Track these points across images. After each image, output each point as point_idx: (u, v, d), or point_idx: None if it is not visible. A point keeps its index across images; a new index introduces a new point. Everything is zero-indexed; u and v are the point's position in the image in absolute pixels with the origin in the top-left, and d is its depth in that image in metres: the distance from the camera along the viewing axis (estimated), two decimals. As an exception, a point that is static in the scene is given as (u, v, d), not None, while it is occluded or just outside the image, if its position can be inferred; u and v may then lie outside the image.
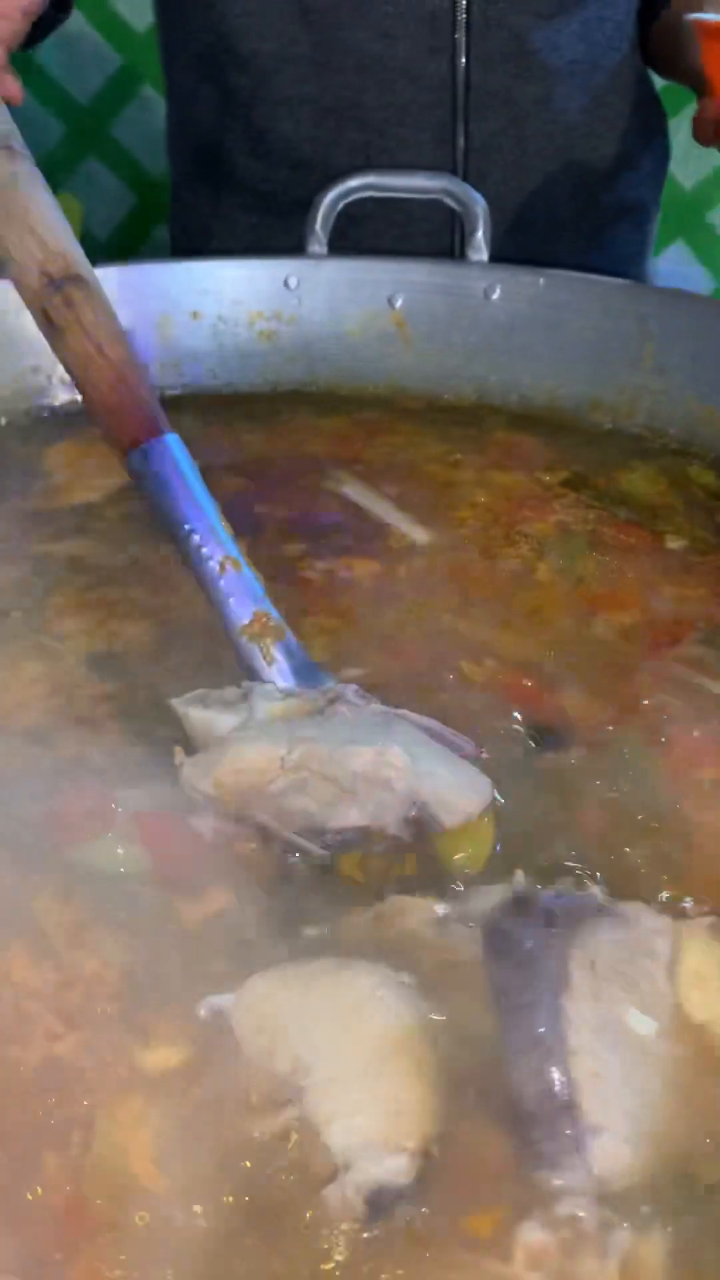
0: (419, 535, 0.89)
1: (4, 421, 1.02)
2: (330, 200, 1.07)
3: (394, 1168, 0.44)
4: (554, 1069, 0.46)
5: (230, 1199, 0.44)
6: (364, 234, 1.13)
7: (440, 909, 0.54)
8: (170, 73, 1.33)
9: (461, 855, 0.58)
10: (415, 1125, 0.45)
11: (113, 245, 2.42)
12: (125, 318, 1.07)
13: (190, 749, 0.61)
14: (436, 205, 1.16)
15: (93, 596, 0.79)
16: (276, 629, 0.66)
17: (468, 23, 1.14)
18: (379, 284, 1.07)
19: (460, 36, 1.14)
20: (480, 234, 1.06)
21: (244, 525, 0.71)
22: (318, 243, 1.07)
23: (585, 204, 1.25)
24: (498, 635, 0.77)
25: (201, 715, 0.62)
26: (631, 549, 0.88)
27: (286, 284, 1.07)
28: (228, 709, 0.62)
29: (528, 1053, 0.47)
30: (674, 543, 0.89)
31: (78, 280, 0.72)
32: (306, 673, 0.66)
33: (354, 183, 1.07)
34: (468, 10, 1.13)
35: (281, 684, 0.65)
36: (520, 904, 0.52)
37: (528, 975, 0.49)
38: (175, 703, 0.63)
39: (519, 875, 0.54)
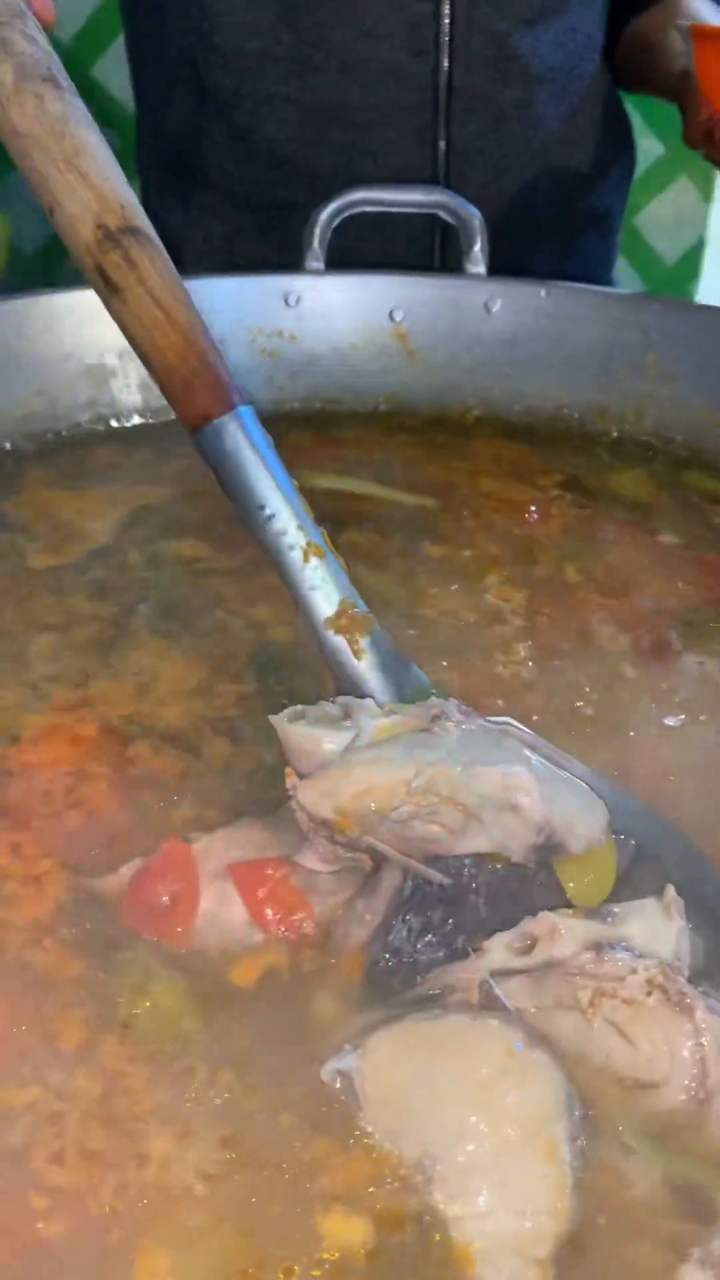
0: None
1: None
2: (327, 216, 1.06)
3: None
4: None
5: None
6: (345, 239, 1.13)
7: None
8: (140, 81, 1.31)
9: (584, 883, 0.57)
10: (549, 1230, 0.43)
11: (40, 262, 2.37)
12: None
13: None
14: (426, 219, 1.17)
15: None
16: (365, 620, 0.62)
17: (451, 26, 1.14)
18: (379, 299, 1.07)
19: (443, 39, 1.15)
20: (478, 247, 1.07)
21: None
22: (315, 259, 1.07)
23: (560, 211, 1.26)
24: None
25: (306, 733, 0.58)
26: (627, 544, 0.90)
27: (286, 300, 1.06)
28: (330, 726, 0.58)
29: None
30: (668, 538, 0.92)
31: (137, 233, 0.64)
32: (395, 665, 0.63)
33: (350, 198, 1.06)
34: (451, 14, 1.14)
35: (372, 683, 0.62)
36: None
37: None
38: (275, 719, 0.59)
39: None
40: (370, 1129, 0.46)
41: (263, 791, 0.64)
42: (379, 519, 0.93)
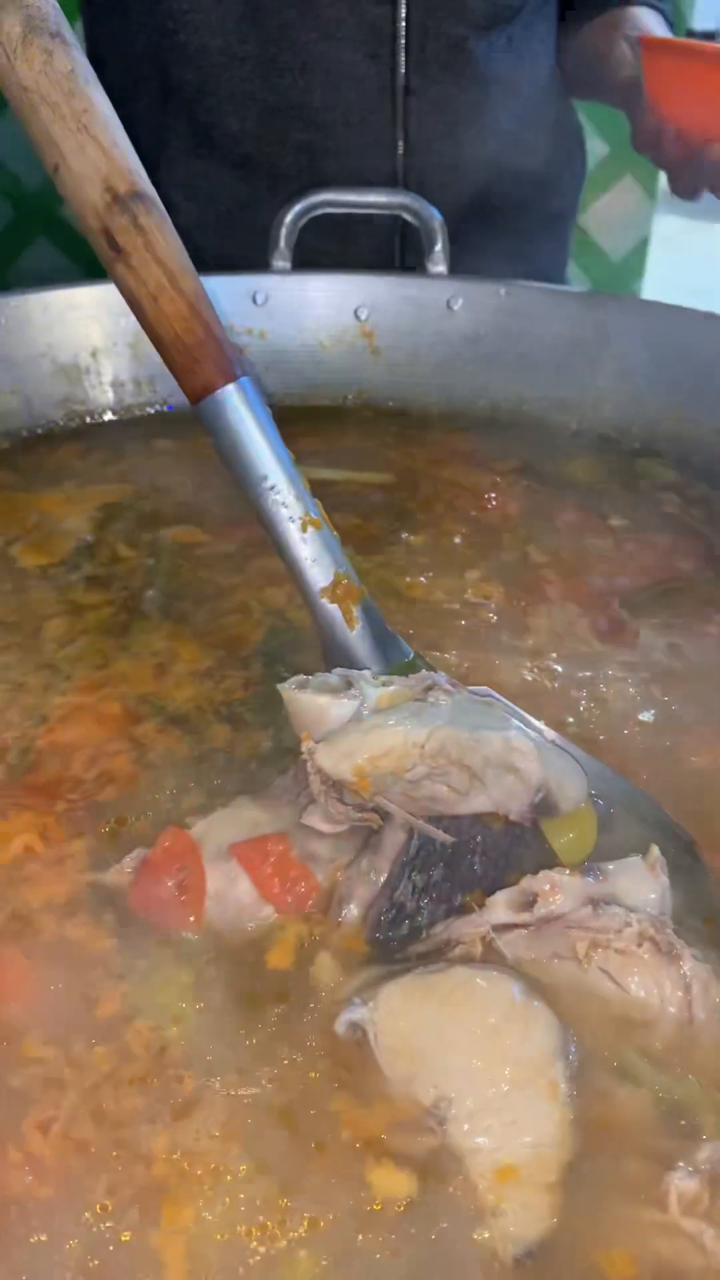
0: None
1: None
2: (292, 217, 1.09)
3: (538, 1215, 0.46)
4: None
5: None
6: (306, 236, 1.15)
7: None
8: (101, 77, 1.32)
9: (569, 840, 0.60)
10: (554, 1158, 0.47)
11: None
12: (97, 336, 1.09)
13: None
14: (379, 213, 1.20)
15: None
16: (357, 590, 0.64)
17: (407, 29, 1.17)
18: (345, 297, 1.10)
19: (400, 41, 1.18)
20: (439, 248, 1.10)
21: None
22: (282, 258, 1.10)
23: (515, 212, 1.30)
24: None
25: (313, 699, 0.60)
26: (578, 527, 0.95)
27: (255, 299, 1.09)
28: (334, 694, 0.60)
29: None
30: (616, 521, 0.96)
31: (146, 199, 0.63)
32: (384, 636, 0.65)
33: (315, 199, 1.09)
34: (407, 17, 1.17)
35: (362, 651, 0.64)
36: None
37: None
38: (282, 687, 0.61)
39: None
40: (386, 1074, 0.50)
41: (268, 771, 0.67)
42: (342, 504, 0.96)
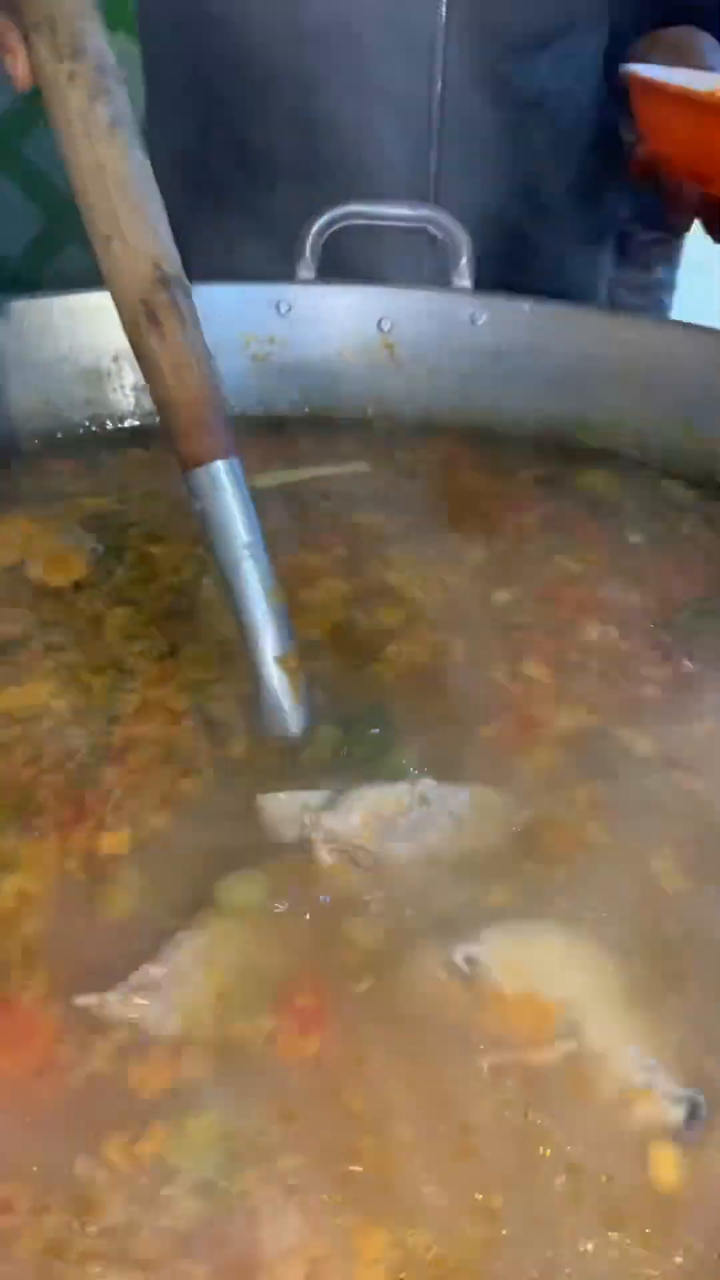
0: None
1: None
2: (319, 227, 1.09)
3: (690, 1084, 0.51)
4: None
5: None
6: (343, 251, 1.15)
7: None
8: (154, 84, 1.33)
9: None
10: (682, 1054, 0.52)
11: (20, 266, 2.39)
12: (119, 340, 1.09)
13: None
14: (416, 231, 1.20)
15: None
16: (301, 669, 0.70)
17: (445, 51, 1.17)
18: (369, 308, 1.10)
19: (438, 64, 1.18)
20: (465, 261, 1.10)
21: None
22: (307, 268, 1.10)
23: (547, 231, 1.29)
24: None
25: (288, 797, 0.65)
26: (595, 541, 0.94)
27: (278, 308, 1.09)
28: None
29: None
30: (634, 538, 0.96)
31: (184, 287, 0.71)
32: (313, 715, 0.71)
33: (341, 210, 1.09)
34: (446, 40, 1.17)
35: (292, 720, 0.70)
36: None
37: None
38: (261, 798, 0.65)
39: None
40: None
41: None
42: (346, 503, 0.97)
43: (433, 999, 0.54)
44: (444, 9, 1.16)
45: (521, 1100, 0.51)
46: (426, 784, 0.64)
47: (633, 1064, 0.52)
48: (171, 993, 0.53)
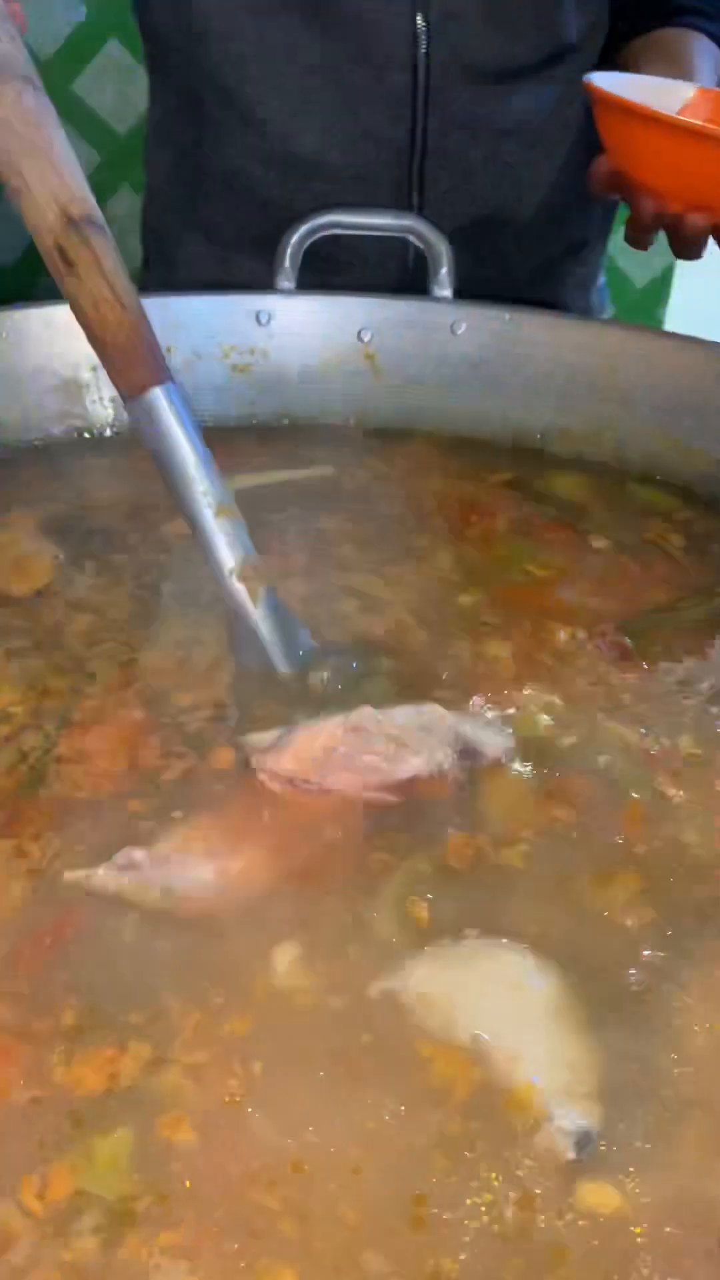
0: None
1: None
2: (299, 238, 1.09)
3: (586, 1112, 0.51)
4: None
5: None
6: (325, 268, 1.15)
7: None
8: (156, 97, 1.34)
9: None
10: (589, 1076, 0.53)
11: (14, 276, 2.39)
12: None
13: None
14: (391, 248, 1.20)
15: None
16: (261, 573, 0.73)
17: (427, 94, 1.17)
18: (348, 319, 1.10)
19: (419, 105, 1.18)
20: (445, 271, 1.10)
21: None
22: (287, 279, 1.10)
23: (531, 247, 1.29)
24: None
25: (260, 736, 0.69)
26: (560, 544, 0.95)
27: (258, 319, 1.09)
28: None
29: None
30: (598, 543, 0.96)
31: (95, 225, 0.72)
32: (287, 621, 0.74)
33: (321, 220, 1.09)
34: (427, 84, 1.17)
35: (265, 630, 0.73)
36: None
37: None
38: (241, 739, 0.69)
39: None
40: (423, 1025, 0.54)
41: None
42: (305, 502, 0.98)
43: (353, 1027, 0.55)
44: (425, 46, 1.16)
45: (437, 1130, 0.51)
46: (364, 713, 0.67)
47: (537, 1095, 0.52)
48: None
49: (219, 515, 0.72)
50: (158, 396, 0.72)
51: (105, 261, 0.72)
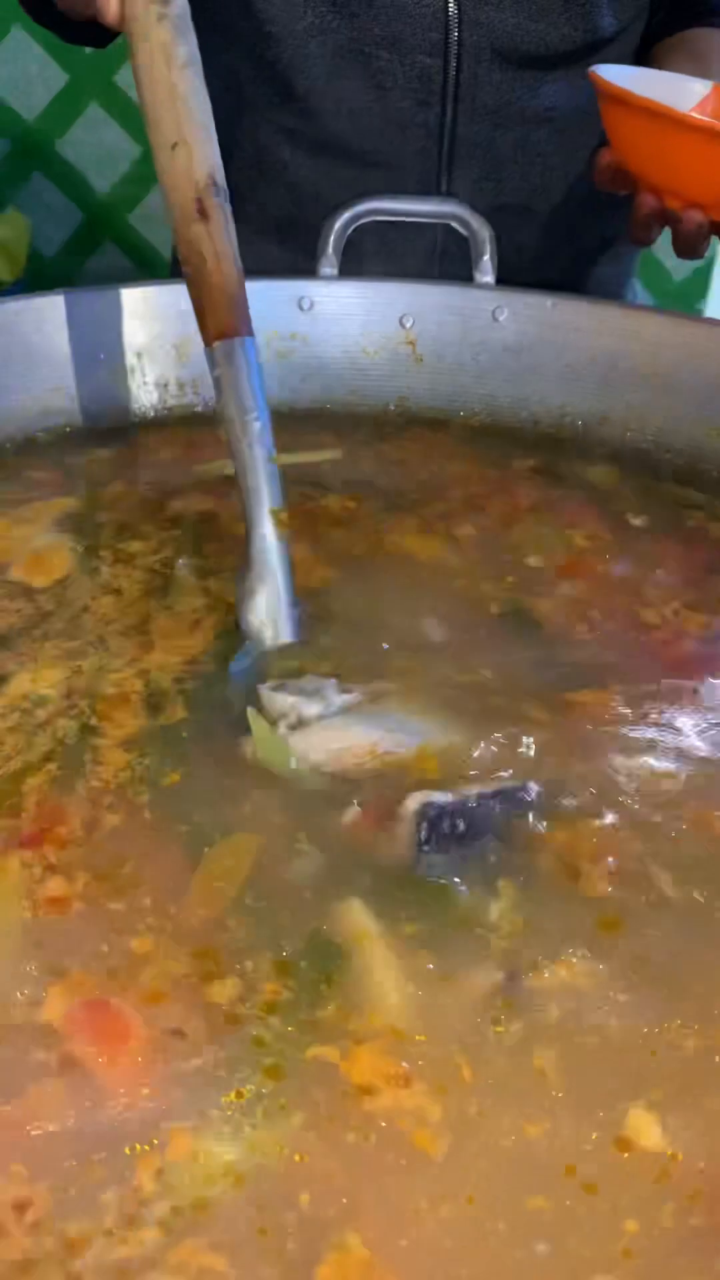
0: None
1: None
2: (341, 224, 1.09)
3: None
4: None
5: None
6: (363, 255, 1.16)
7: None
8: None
9: None
10: None
11: (59, 264, 2.41)
12: (145, 338, 1.10)
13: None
14: (418, 238, 1.21)
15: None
16: (287, 525, 0.77)
17: (457, 78, 1.18)
18: (390, 305, 1.10)
19: (449, 90, 1.18)
20: (487, 257, 1.10)
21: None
22: (329, 265, 1.10)
23: (562, 241, 1.29)
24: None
25: (286, 699, 0.70)
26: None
27: (300, 305, 1.10)
28: (304, 696, 0.71)
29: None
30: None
31: (225, 194, 0.84)
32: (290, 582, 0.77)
33: (365, 206, 1.10)
34: (458, 67, 1.17)
35: (280, 571, 0.76)
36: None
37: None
38: (262, 689, 0.71)
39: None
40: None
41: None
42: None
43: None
44: (457, 31, 1.16)
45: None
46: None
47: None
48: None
49: (267, 459, 0.77)
50: (239, 345, 0.79)
51: (229, 224, 0.83)
